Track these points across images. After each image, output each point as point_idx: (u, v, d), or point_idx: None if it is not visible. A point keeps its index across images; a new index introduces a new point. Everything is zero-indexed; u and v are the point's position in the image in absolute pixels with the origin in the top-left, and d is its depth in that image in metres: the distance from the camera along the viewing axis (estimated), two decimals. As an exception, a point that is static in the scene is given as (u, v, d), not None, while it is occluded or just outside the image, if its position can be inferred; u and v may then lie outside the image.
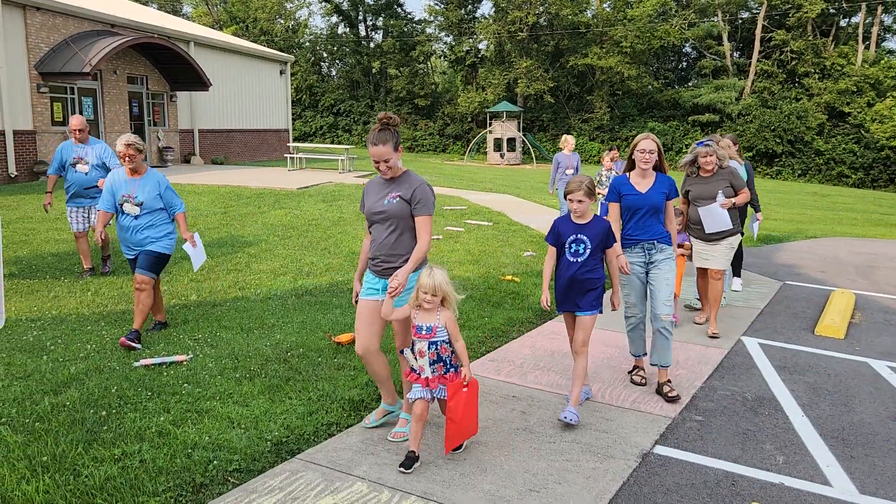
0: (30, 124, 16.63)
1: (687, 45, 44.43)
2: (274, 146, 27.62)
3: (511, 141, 36.79)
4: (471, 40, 43.79)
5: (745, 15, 43.59)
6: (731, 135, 7.46)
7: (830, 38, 40.58)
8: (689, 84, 44.22)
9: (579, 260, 4.47)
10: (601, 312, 4.59)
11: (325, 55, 47.96)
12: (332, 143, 43.03)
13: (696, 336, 6.54)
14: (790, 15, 39.81)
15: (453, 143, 43.61)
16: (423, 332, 3.82)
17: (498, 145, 36.95)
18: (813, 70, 39.57)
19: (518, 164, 36.20)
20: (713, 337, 6.42)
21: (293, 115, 44.59)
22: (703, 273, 7.03)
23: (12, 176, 16.03)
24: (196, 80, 21.14)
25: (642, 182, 5.08)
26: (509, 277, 8.41)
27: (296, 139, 43.12)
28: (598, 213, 8.05)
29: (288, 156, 21.87)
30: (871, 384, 5.44)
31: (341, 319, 6.47)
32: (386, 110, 39.49)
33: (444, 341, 3.84)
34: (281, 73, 28.38)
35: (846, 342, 6.53)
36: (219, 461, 3.77)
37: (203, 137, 23.51)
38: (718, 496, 3.69)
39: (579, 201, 4.40)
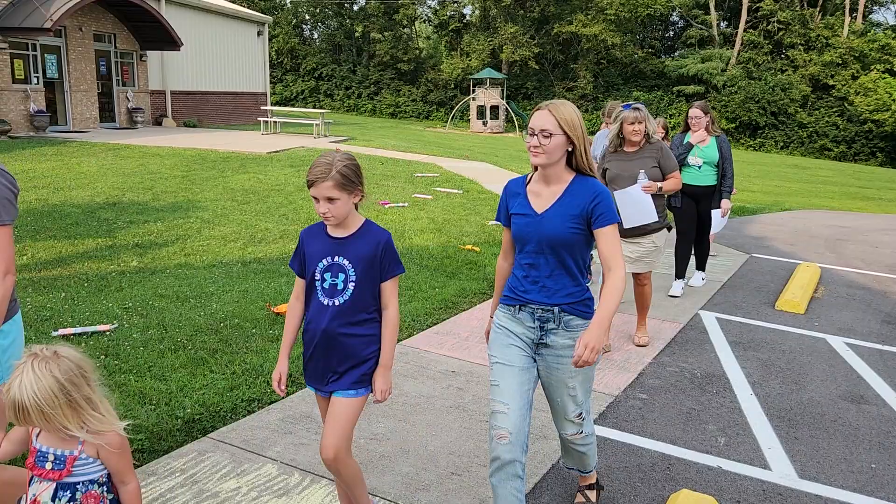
0: (-11, 82, 16.06)
1: (674, 13, 43.89)
2: (251, 110, 27.03)
3: (494, 109, 36.30)
4: (455, 4, 43.00)
5: (734, -17, 43.05)
6: (702, 102, 6.81)
7: (818, 8, 40.17)
8: (676, 54, 43.75)
9: (337, 302, 2.60)
10: (370, 392, 2.70)
11: (307, 17, 46.97)
12: (313, 107, 42.32)
13: (652, 309, 6.32)
14: (778, -17, 39.34)
15: (436, 109, 43.03)
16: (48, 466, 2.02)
17: (481, 113, 36.46)
18: (799, 41, 39.21)
19: (501, 133, 35.77)
20: (640, 346, 5.36)
21: (274, 78, 43.76)
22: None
23: (-30, 135, 15.51)
24: (167, 39, 20.51)
25: (545, 191, 2.75)
26: (469, 247, 8.16)
27: (276, 103, 42.35)
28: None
29: (262, 119, 21.38)
30: (825, 361, 5.26)
31: (285, 289, 6.21)
32: (370, 75, 38.41)
33: (90, 483, 2.04)
34: (258, 34, 27.67)
35: (806, 317, 6.36)
36: (120, 440, 3.51)
37: (175, 99, 22.92)
38: (651, 480, 3.49)
39: (328, 199, 2.51)
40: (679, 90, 39.36)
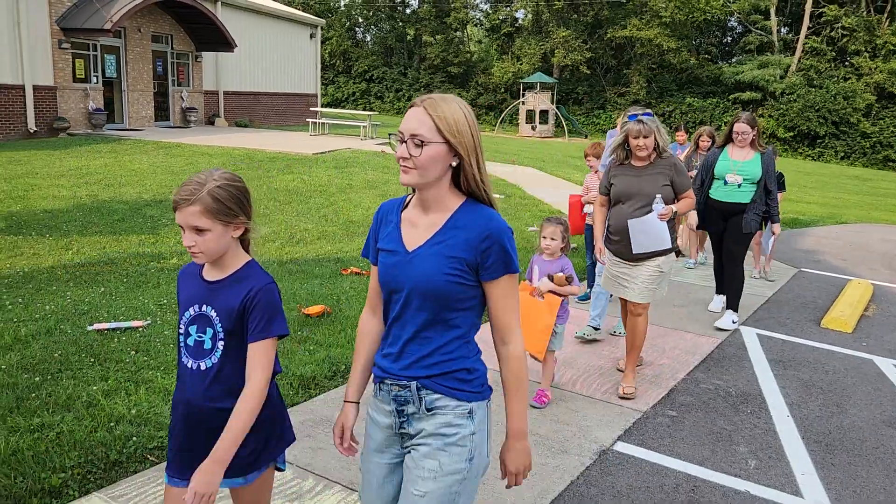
0: (51, 80, 16.60)
1: (732, 18, 42.92)
2: (302, 110, 27.38)
3: (544, 113, 36.05)
4: (507, 9, 42.88)
5: (796, -12, 41.89)
6: (749, 115, 6.01)
7: (885, 14, 38.77)
8: (733, 60, 42.77)
9: (203, 366, 2.05)
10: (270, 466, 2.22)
11: (360, 20, 47.41)
12: (364, 109, 42.73)
13: (689, 322, 6.15)
14: (844, -11, 38.15)
15: (486, 113, 42.91)
16: None
17: (530, 117, 36.25)
18: (864, 48, 37.89)
19: (549, 137, 35.49)
20: (624, 398, 4.46)
21: (326, 80, 44.31)
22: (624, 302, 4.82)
23: (31, 131, 16.05)
24: (222, 41, 20.92)
25: (422, 220, 1.99)
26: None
27: (328, 104, 42.86)
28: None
29: (310, 120, 21.64)
30: (871, 384, 5.03)
31: (318, 290, 6.22)
32: (420, 78, 38.41)
33: None
34: (311, 36, 28.03)
35: (853, 337, 6.09)
36: (140, 437, 3.55)
37: (228, 99, 23.37)
38: (674, 502, 3.37)
39: (195, 228, 2.00)
40: (735, 97, 38.44)
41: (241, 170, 12.91)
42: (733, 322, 6.07)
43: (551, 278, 4.21)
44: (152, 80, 20.03)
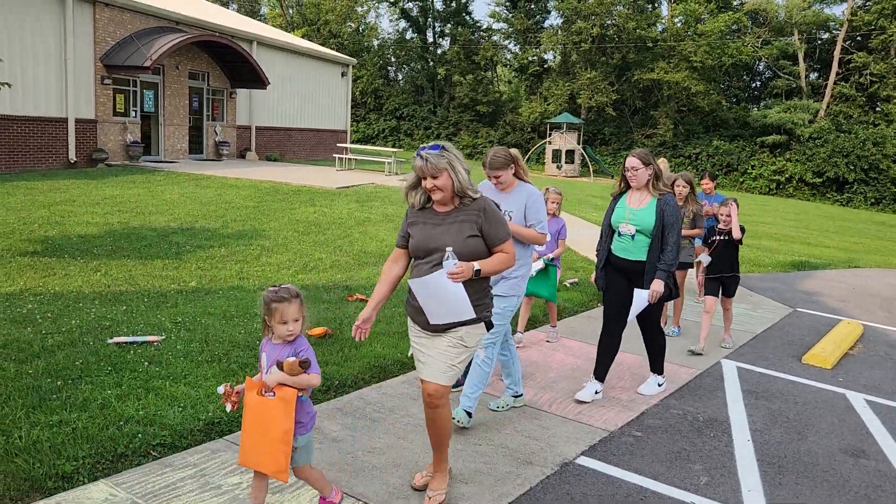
0: (92, 114, 17.53)
1: (760, 63, 43.26)
2: (331, 146, 28.22)
3: (570, 153, 36.54)
4: (536, 50, 43.74)
5: (825, 35, 42.16)
6: (642, 150, 5.08)
7: (915, 61, 38.77)
8: (761, 105, 42.99)
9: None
10: None
11: (392, 59, 48.69)
12: (393, 146, 43.65)
13: (671, 354, 6.44)
14: (872, 37, 38.30)
15: (513, 152, 43.56)
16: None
17: (556, 156, 36.76)
18: (894, 94, 37.89)
19: (575, 177, 35.91)
20: None
21: (358, 116, 45.45)
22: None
23: (72, 161, 16.93)
24: (256, 79, 21.84)
25: None
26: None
27: (358, 140, 43.91)
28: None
29: (337, 156, 22.35)
30: (837, 415, 5.28)
31: (324, 314, 6.65)
32: (449, 116, 39.28)
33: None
34: (343, 75, 28.99)
35: (831, 373, 6.33)
36: (145, 435, 3.98)
37: (260, 134, 24.25)
38: (622, 510, 3.68)
39: None
40: (762, 140, 38.58)
41: (266, 201, 13.51)
42: (659, 385, 5.44)
43: (280, 366, 3.03)
44: (188, 115, 20.95)
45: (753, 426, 4.94)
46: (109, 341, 5.42)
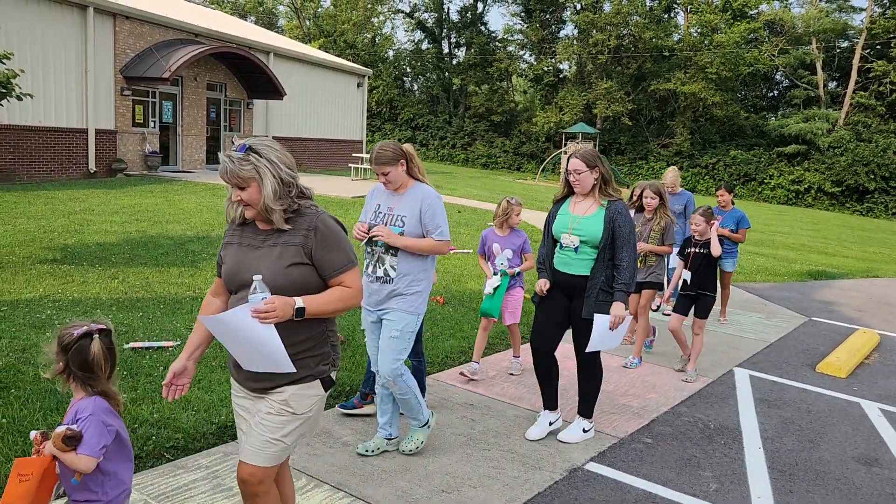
0: (111, 124, 17.78)
1: (778, 73, 43.04)
2: (347, 156, 28.40)
3: (585, 162, 36.48)
4: (552, 60, 43.82)
5: (844, 44, 41.90)
6: (588, 150, 4.46)
7: (935, 70, 38.42)
8: (779, 114, 42.75)
9: None
10: None
11: (407, 70, 48.97)
12: (409, 156, 43.82)
13: (678, 361, 6.41)
14: (892, 45, 38.02)
15: (528, 161, 43.58)
16: None
17: (571, 166, 36.72)
18: (914, 103, 37.56)
19: (590, 186, 35.84)
20: None
21: (373, 127, 45.69)
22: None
23: (91, 171, 17.17)
24: (272, 90, 22.06)
25: None
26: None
27: (374, 151, 44.17)
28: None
29: (352, 165, 22.49)
30: (851, 424, 5.24)
31: (338, 321, 6.69)
32: (464, 126, 39.43)
33: None
34: (358, 85, 29.21)
35: (846, 382, 6.28)
36: (159, 438, 4.04)
37: (277, 144, 24.44)
38: (630, 516, 3.69)
39: None
40: (780, 151, 38.34)
41: (282, 211, 13.62)
42: (584, 431, 4.56)
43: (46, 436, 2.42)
44: (205, 126, 21.19)
45: (765, 434, 4.92)
46: (126, 346, 5.50)
